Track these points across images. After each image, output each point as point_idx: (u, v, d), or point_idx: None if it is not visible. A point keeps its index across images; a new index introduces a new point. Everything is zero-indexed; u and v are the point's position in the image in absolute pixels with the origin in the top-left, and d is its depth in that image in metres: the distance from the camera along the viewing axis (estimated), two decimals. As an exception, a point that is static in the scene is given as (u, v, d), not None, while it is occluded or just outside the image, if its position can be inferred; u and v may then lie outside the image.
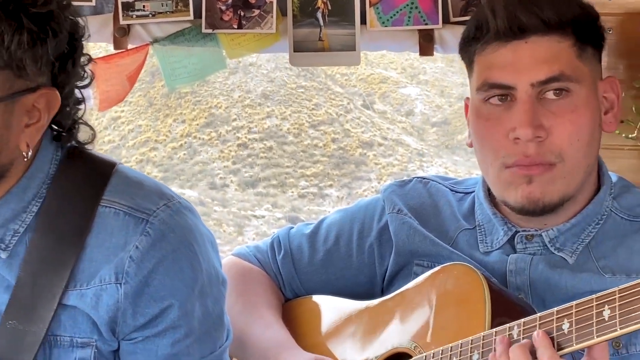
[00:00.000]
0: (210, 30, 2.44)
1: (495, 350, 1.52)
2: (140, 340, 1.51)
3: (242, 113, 13.54)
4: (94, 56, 2.57)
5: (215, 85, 13.72)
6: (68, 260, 1.48)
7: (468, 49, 1.77)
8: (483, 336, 1.57)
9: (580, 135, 1.71)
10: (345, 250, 1.95)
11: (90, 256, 1.49)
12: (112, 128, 13.67)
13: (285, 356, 1.79)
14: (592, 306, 1.46)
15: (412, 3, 2.40)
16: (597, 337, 1.45)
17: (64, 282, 1.47)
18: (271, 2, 2.42)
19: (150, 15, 2.44)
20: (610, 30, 2.32)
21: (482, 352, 1.56)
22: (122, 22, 2.45)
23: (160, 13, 2.44)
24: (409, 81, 14.41)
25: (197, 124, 13.49)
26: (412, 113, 14.02)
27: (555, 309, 1.51)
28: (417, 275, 1.80)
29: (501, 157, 1.71)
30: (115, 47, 2.49)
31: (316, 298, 1.96)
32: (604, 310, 1.44)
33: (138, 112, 13.71)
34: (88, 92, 2.55)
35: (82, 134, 1.59)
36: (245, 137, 13.33)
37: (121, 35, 2.46)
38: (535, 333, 1.49)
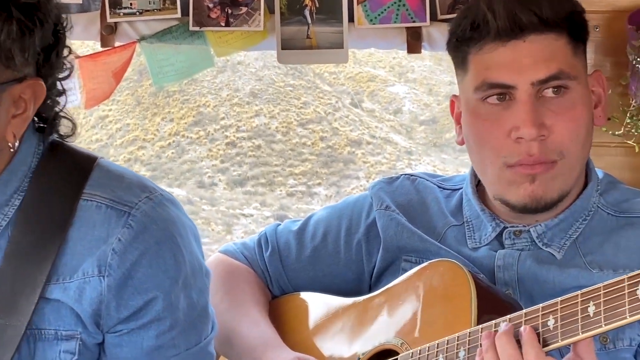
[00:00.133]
0: (197, 28, 2.44)
1: (481, 346, 1.53)
2: (125, 333, 1.51)
3: (230, 112, 13.53)
4: (81, 54, 2.58)
5: (203, 84, 13.70)
6: (50, 254, 1.48)
7: (462, 48, 1.76)
8: (469, 332, 1.58)
9: (580, 132, 1.72)
10: (333, 246, 1.96)
11: (72, 249, 1.49)
12: (100, 127, 13.63)
13: (270, 355, 1.79)
14: (577, 302, 1.47)
15: (400, 1, 2.40)
16: (582, 333, 1.46)
17: (46, 276, 1.47)
18: (259, 0, 2.41)
19: (137, 13, 2.44)
20: (597, 28, 2.33)
21: (469, 348, 1.56)
22: (109, 19, 2.45)
23: (148, 11, 2.44)
24: (397, 79, 14.42)
25: (185, 123, 13.46)
26: (400, 111, 14.03)
27: (541, 305, 1.52)
28: (405, 271, 1.80)
29: (502, 157, 1.71)
30: (102, 45, 2.48)
31: (303, 295, 1.96)
32: (588, 306, 1.45)
33: (126, 111, 13.68)
34: (75, 91, 2.56)
35: (63, 128, 1.59)
36: (234, 136, 13.32)
37: (108, 33, 2.46)
38: (522, 328, 1.50)
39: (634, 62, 2.25)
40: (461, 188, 1.91)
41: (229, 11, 2.42)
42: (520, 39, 1.70)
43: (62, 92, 1.57)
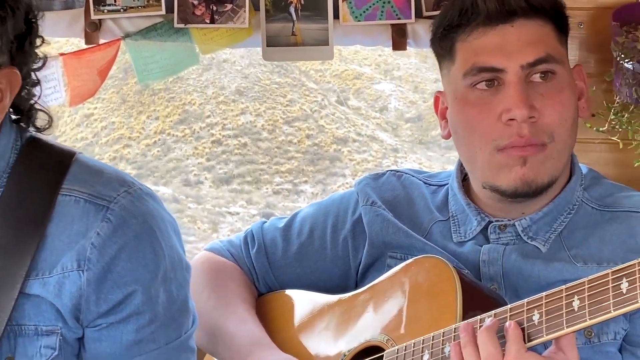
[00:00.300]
0: (182, 25, 2.43)
1: (456, 339, 1.53)
2: (105, 327, 1.51)
3: (216, 110, 13.51)
4: (65, 52, 2.57)
5: (189, 82, 13.68)
6: (28, 250, 1.48)
7: (449, 37, 1.77)
8: (455, 328, 1.58)
9: (568, 116, 1.74)
10: (319, 243, 1.96)
11: (51, 245, 1.49)
12: (85, 125, 13.59)
13: (259, 354, 1.79)
14: (562, 297, 1.48)
15: (385, -3, 2.40)
16: (567, 327, 1.46)
17: (25, 271, 1.47)
18: (244, -3, 2.41)
19: (121, 10, 2.43)
20: (581, 25, 2.34)
21: (460, 338, 1.56)
22: (94, 17, 2.43)
23: (132, 8, 2.43)
24: (383, 77, 14.44)
25: (171, 121, 13.44)
26: (386, 109, 14.05)
27: (526, 300, 1.52)
28: (390, 267, 1.81)
29: (493, 141, 1.72)
30: (87, 42, 2.47)
31: (289, 292, 1.96)
32: (573, 300, 1.46)
33: (111, 109, 13.64)
34: (60, 89, 2.55)
35: (40, 121, 1.58)
36: (220, 134, 13.30)
37: (92, 30, 2.44)
38: (507, 324, 1.51)
39: (618, 58, 2.26)
40: (447, 184, 1.91)
41: (214, 8, 2.42)
42: (509, 23, 1.72)
43: (37, 83, 1.57)
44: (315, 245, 1.96)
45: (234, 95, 13.63)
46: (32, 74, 1.56)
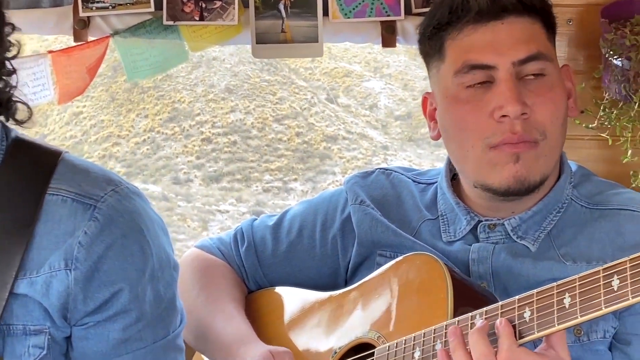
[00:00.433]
0: (171, 22, 2.42)
1: (446, 344, 1.53)
2: (92, 326, 1.51)
3: (205, 107, 13.48)
4: (54, 49, 2.55)
5: (178, 80, 13.65)
6: (17, 250, 1.48)
7: (439, 35, 1.76)
8: (446, 325, 1.58)
9: (559, 114, 1.74)
10: (308, 241, 1.95)
11: (39, 244, 1.49)
12: (74, 123, 13.55)
13: (244, 349, 1.78)
14: (553, 294, 1.48)
15: (374, -5, 2.40)
16: (558, 324, 1.46)
17: (15, 271, 1.47)
18: (233, -6, 2.40)
19: (110, 7, 2.42)
20: (570, 22, 2.34)
21: (445, 341, 1.56)
22: (82, 14, 2.42)
23: (121, 5, 2.42)
24: (372, 75, 14.44)
25: (160, 119, 13.41)
26: (376, 106, 14.05)
27: (517, 297, 1.52)
28: (380, 265, 1.80)
29: (485, 138, 1.71)
30: (75, 40, 2.46)
31: (279, 289, 1.95)
32: (564, 298, 1.46)
33: (100, 107, 13.60)
34: (48, 86, 2.53)
35: (21, 113, 1.57)
36: (209, 132, 13.28)
37: (81, 27, 2.43)
38: (497, 321, 1.51)
39: (607, 55, 2.26)
40: (436, 182, 1.91)
41: (203, 5, 2.41)
42: (499, 20, 1.72)
43: (13, 72, 1.55)
44: (305, 243, 1.96)
45: (223, 93, 13.61)
46: (7, 63, 1.54)
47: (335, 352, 1.77)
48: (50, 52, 2.48)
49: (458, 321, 1.57)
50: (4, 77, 1.54)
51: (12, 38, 1.55)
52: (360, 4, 2.41)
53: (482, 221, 1.79)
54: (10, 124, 1.58)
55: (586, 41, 2.35)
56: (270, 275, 1.98)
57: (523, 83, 1.72)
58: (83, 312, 1.50)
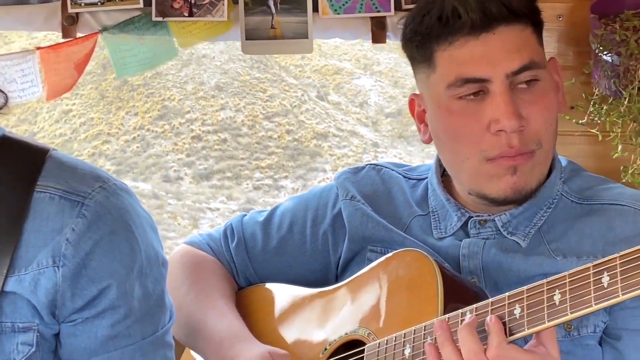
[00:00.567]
0: (160, 19, 2.41)
1: (434, 340, 1.52)
2: (80, 322, 1.50)
3: (195, 105, 13.46)
4: (43, 46, 2.54)
5: (168, 77, 13.62)
6: (6, 248, 1.47)
7: (427, 45, 1.73)
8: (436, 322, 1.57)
9: (552, 119, 1.74)
10: (299, 237, 1.95)
11: (27, 242, 1.48)
12: (64, 121, 13.50)
13: (240, 347, 1.78)
14: (543, 291, 1.47)
15: (364, -10, 2.39)
16: (549, 321, 1.46)
17: (5, 270, 1.47)
18: (222, -10, 2.39)
19: (98, 3, 2.41)
20: (560, 17, 2.34)
21: (435, 338, 1.56)
22: (71, 10, 2.41)
23: (110, 1, 2.41)
24: (362, 72, 14.43)
25: (150, 117, 13.38)
26: (366, 104, 14.05)
27: (507, 293, 1.52)
28: (370, 261, 1.80)
29: (481, 152, 1.70)
30: (64, 36, 2.45)
31: (269, 286, 1.95)
32: (554, 294, 1.46)
33: (90, 105, 13.56)
34: (36, 83, 2.52)
35: None
36: (199, 130, 13.26)
37: (70, 23, 2.42)
38: (487, 318, 1.50)
39: (596, 51, 2.26)
40: (426, 178, 1.90)
41: (192, 1, 2.40)
42: (490, 31, 1.69)
43: None
44: (295, 239, 1.95)
45: (213, 90, 13.59)
46: None
47: (326, 349, 1.77)
48: (38, 48, 2.47)
49: (448, 318, 1.56)
50: None
51: None
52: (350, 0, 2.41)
53: (472, 217, 1.79)
54: None
55: (576, 37, 2.35)
56: (260, 271, 1.97)
57: (517, 92, 1.69)
58: (71, 308, 1.49)
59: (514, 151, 1.69)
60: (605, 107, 2.28)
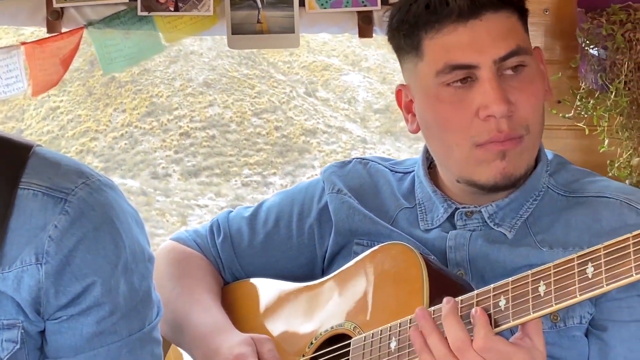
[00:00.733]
0: (146, 13, 2.40)
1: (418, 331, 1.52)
2: (65, 320, 1.49)
3: (183, 102, 13.43)
4: (29, 41, 2.52)
5: (156, 74, 13.58)
6: None
7: (415, 33, 1.73)
8: (422, 315, 1.57)
9: (539, 105, 1.74)
10: (285, 232, 1.95)
11: (11, 240, 1.48)
12: (51, 118, 13.45)
13: (221, 338, 1.78)
14: (528, 282, 1.48)
15: (351, -15, 2.39)
16: (534, 312, 1.46)
17: None
18: (208, -16, 2.39)
19: (84, -2, 2.40)
20: (546, 11, 2.35)
21: (420, 328, 1.56)
22: (56, 5, 2.40)
23: (95, -5, 2.40)
24: (351, 68, 14.43)
25: (138, 113, 13.34)
26: (354, 100, 14.05)
27: (492, 285, 1.52)
28: (357, 254, 1.80)
29: (471, 137, 1.70)
30: (49, 31, 2.44)
31: (255, 281, 1.94)
32: (539, 286, 1.46)
33: (77, 102, 13.51)
34: (22, 78, 2.50)
35: None
36: (188, 126, 13.23)
37: (54, 18, 2.41)
38: (473, 310, 1.50)
39: (583, 45, 2.27)
40: (413, 171, 1.90)
41: (178, -5, 2.39)
42: (478, 18, 1.70)
43: None
44: (281, 234, 1.95)
45: (201, 87, 13.56)
46: None
47: (312, 343, 1.77)
48: (23, 43, 2.45)
49: (434, 311, 1.56)
50: None
51: None
52: (336, -6, 2.40)
53: (459, 209, 1.79)
54: None
55: (563, 31, 2.35)
56: (246, 267, 1.97)
57: (504, 79, 1.71)
58: (55, 306, 1.49)
59: (503, 136, 1.69)
60: (592, 101, 2.28)
